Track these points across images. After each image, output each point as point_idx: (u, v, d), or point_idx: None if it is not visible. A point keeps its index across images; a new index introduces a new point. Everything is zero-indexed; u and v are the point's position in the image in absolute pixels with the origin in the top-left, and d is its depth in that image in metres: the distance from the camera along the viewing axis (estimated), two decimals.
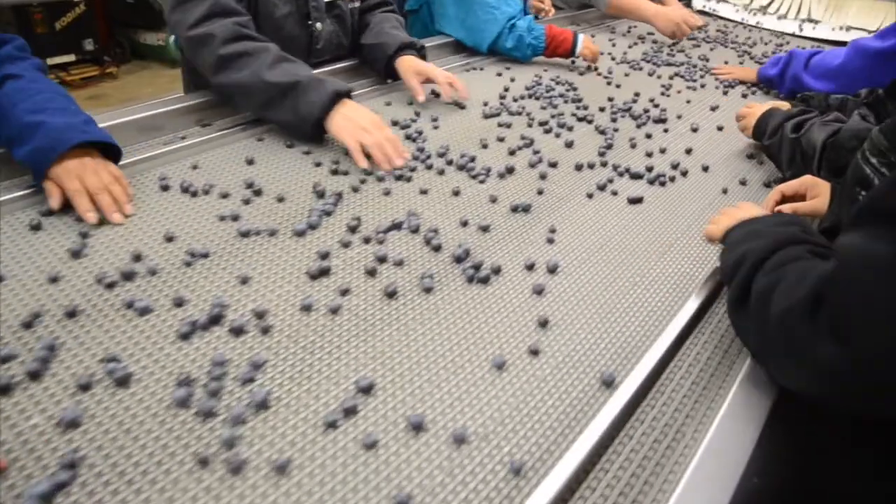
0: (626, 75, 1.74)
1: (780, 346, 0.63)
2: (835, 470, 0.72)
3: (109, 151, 0.96)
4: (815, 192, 0.96)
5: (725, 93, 1.70)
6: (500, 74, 1.64)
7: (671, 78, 1.76)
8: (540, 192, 1.08)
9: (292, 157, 1.12)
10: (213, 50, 1.12)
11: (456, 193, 1.05)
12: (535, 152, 1.21)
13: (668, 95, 1.62)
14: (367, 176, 1.07)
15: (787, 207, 0.97)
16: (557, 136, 1.30)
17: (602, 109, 1.46)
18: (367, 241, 0.92)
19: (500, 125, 1.32)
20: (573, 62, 1.77)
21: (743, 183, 1.20)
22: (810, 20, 2.49)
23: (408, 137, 1.23)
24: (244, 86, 1.12)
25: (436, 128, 1.28)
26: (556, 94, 1.51)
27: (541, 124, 1.33)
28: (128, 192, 0.93)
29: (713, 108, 1.56)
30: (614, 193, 1.10)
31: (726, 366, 0.76)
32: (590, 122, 1.38)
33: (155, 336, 0.73)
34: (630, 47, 2.02)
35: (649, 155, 1.26)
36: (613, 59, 1.87)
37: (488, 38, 1.70)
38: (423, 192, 1.05)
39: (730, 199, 1.14)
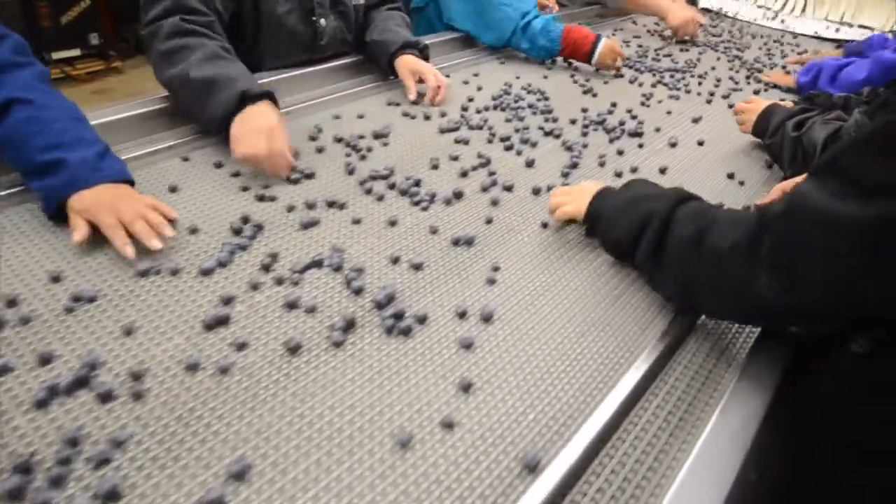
0: (605, 83, 1.62)
1: (715, 283, 0.69)
2: (831, 463, 0.73)
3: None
4: None
5: (709, 101, 1.58)
6: (466, 82, 1.53)
7: (653, 86, 1.64)
8: (489, 222, 0.97)
9: (217, 180, 1.02)
10: (156, 45, 1.08)
11: (392, 223, 0.94)
12: (491, 173, 1.10)
13: (648, 105, 1.51)
14: (296, 202, 0.96)
15: None
16: (519, 153, 1.19)
17: (573, 122, 1.35)
18: (280, 281, 0.81)
19: (456, 141, 1.21)
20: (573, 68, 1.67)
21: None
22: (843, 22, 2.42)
23: (355, 150, 1.13)
24: (174, 82, 1.06)
25: (385, 144, 1.17)
26: (525, 104, 1.40)
27: (502, 140, 1.22)
28: (163, 217, 0.86)
29: (695, 120, 1.44)
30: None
31: (699, 408, 0.65)
32: (557, 136, 1.27)
33: (7, 403, 0.62)
34: None
35: (618, 175, 1.14)
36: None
37: (503, 36, 1.67)
38: (356, 221, 0.94)
39: None
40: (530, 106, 1.39)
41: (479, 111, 1.35)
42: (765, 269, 0.62)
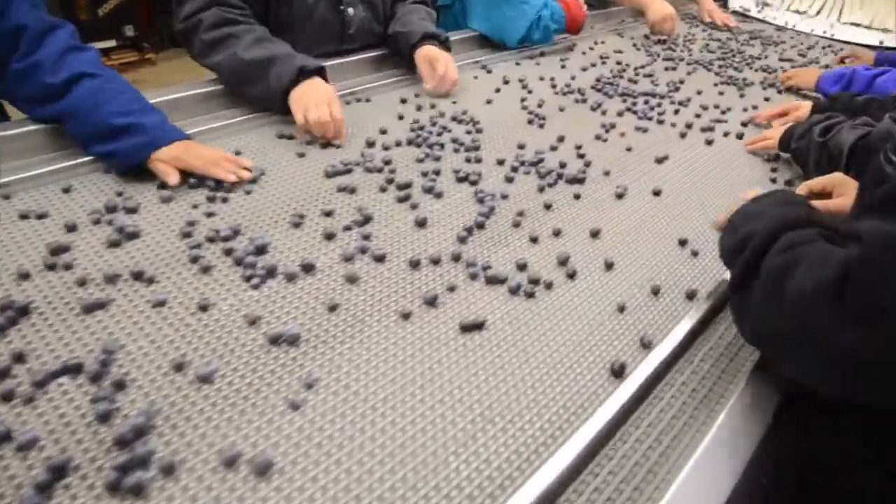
0: (561, 110, 1.38)
1: (794, 329, 0.59)
2: (844, 467, 0.71)
3: None
4: (842, 191, 0.90)
5: (683, 135, 1.32)
6: (404, 101, 1.31)
7: (619, 114, 1.39)
8: (332, 309, 0.74)
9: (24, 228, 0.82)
10: (200, 35, 1.17)
11: (203, 308, 0.72)
12: (364, 237, 0.87)
13: (605, 140, 1.26)
14: (93, 273, 0.75)
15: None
16: (414, 207, 0.96)
17: (501, 162, 1.11)
18: (6, 398, 0.60)
19: (340, 189, 0.98)
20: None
21: (655, 292, 0.84)
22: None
23: (209, 200, 0.91)
24: (226, 67, 1.17)
25: (248, 192, 0.95)
26: (450, 138, 1.17)
27: (400, 187, 0.99)
28: (235, 160, 1.00)
29: (659, 160, 1.19)
30: (446, 313, 0.76)
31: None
32: (473, 183, 1.04)
33: None
34: (584, 70, 1.65)
35: (534, 240, 0.90)
36: (554, 86, 1.51)
37: (517, 34, 1.68)
38: (159, 304, 0.72)
39: (626, 318, 0.79)
40: (454, 140, 1.16)
41: (387, 147, 1.13)
42: (851, 319, 0.54)
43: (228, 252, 0.81)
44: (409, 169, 1.06)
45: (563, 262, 0.86)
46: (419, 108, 1.29)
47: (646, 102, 1.47)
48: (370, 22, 1.43)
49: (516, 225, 0.94)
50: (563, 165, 1.12)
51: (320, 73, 1.18)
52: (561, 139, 1.22)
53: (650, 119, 1.39)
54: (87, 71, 0.98)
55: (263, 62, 1.13)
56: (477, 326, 0.73)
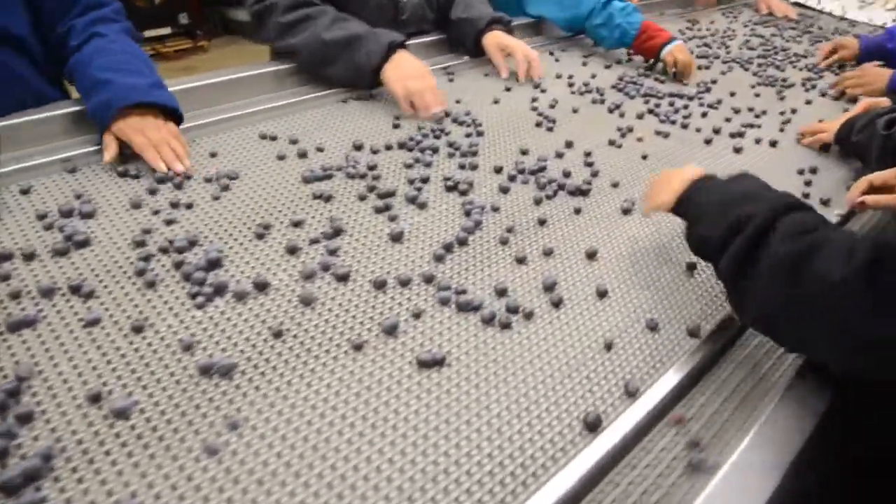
0: (574, 111, 1.27)
1: (820, 316, 0.59)
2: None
3: (171, 117, 0.98)
4: None
5: (709, 141, 1.20)
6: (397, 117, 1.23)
7: (640, 116, 1.28)
8: (277, 335, 0.67)
9: None
10: (275, 18, 1.20)
11: (137, 330, 0.66)
12: (331, 251, 0.79)
13: (620, 146, 1.15)
14: (7, 301, 0.69)
15: (870, 199, 0.90)
16: (392, 219, 0.87)
17: (498, 170, 1.02)
18: None
19: (316, 196, 0.91)
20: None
21: (652, 328, 0.74)
22: None
23: (172, 205, 0.85)
24: (305, 47, 1.19)
25: (216, 198, 0.88)
26: (446, 142, 1.08)
27: (382, 196, 0.91)
28: (185, 149, 0.96)
29: None
30: (406, 345, 0.67)
31: None
32: (463, 192, 0.95)
33: None
34: (607, 67, 1.54)
35: (520, 261, 0.81)
36: (570, 85, 1.40)
37: (579, 15, 1.57)
38: (91, 323, 0.66)
39: (613, 358, 0.69)
40: (451, 144, 1.07)
41: (375, 150, 1.04)
42: (885, 304, 0.55)
43: (179, 265, 0.74)
44: (395, 175, 0.98)
45: (549, 287, 0.77)
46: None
47: (671, 104, 1.35)
48: (423, 8, 1.44)
49: (503, 242, 0.85)
50: (566, 175, 1.02)
51: (405, 46, 1.21)
52: (569, 144, 1.12)
53: (673, 123, 1.27)
54: (99, 31, 1.00)
55: (345, 41, 1.17)
56: (436, 363, 0.65)
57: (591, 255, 0.84)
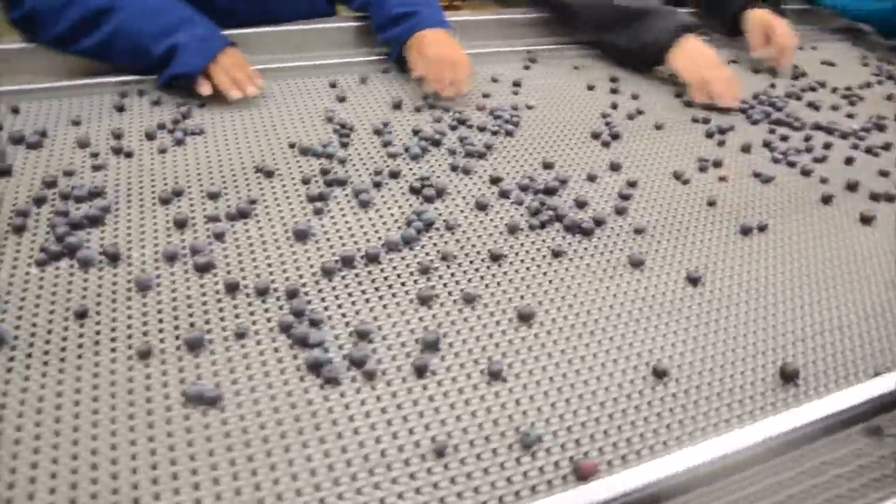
0: (658, 128, 1.00)
1: None
2: None
3: None
4: None
5: (828, 200, 0.87)
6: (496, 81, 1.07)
7: (745, 149, 0.97)
8: (82, 315, 0.58)
9: None
10: None
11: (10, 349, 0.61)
12: (217, 235, 0.68)
13: (686, 181, 0.88)
14: None
15: None
16: (317, 212, 0.73)
17: (496, 181, 0.82)
18: None
19: (258, 169, 0.80)
20: None
21: (529, 445, 0.52)
22: None
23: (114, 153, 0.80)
24: (588, 6, 1.19)
25: (163, 151, 0.81)
26: (457, 136, 0.90)
27: (329, 184, 0.77)
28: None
29: (746, 231, 0.79)
30: (207, 366, 0.54)
31: None
32: (428, 199, 0.77)
33: None
34: (755, 73, 1.20)
35: (425, 303, 0.63)
36: (678, 95, 1.11)
37: None
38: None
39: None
40: (462, 139, 0.89)
41: (378, 131, 0.90)
42: None
43: (124, 258, 0.68)
44: (366, 162, 0.84)
45: (430, 345, 0.58)
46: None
47: (806, 139, 1.01)
48: None
49: (423, 272, 0.67)
50: (580, 205, 0.79)
51: (692, 30, 1.15)
52: (615, 167, 0.88)
53: (791, 165, 0.94)
54: None
55: (638, 12, 1.14)
56: (209, 401, 0.51)
57: (526, 319, 0.62)
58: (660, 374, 0.58)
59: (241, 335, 0.57)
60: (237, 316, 0.60)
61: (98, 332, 0.57)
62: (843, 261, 0.76)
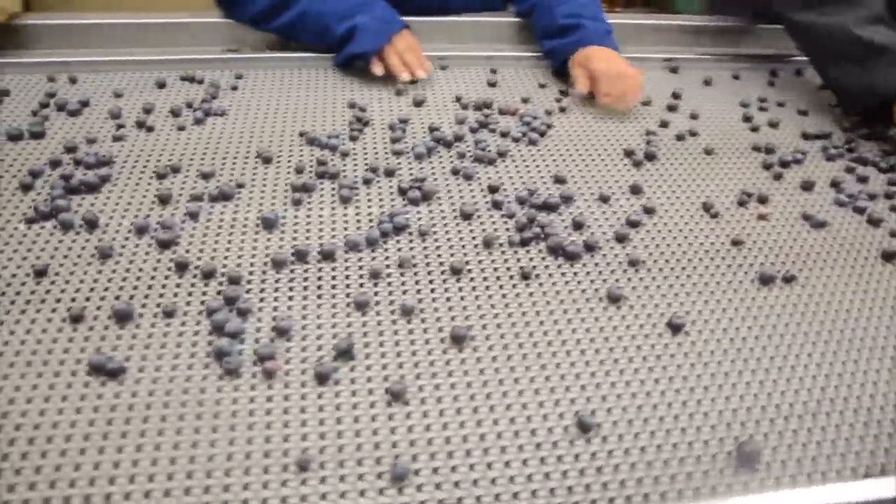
0: (708, 152, 0.89)
1: None
2: None
3: None
4: None
5: (892, 257, 0.72)
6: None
7: (807, 186, 0.84)
8: (41, 272, 0.62)
9: None
10: None
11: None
12: (191, 214, 0.70)
13: (716, 215, 0.77)
14: None
15: None
16: (296, 203, 0.73)
17: (493, 189, 0.77)
18: None
19: (258, 154, 0.81)
20: None
21: None
22: None
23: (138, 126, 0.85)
24: (824, 29, 0.99)
25: (198, 122, 0.85)
26: (474, 139, 0.86)
27: (321, 176, 0.77)
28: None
29: (767, 280, 0.68)
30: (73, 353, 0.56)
31: None
32: (413, 202, 0.74)
33: None
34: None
35: (360, 308, 0.60)
36: (748, 117, 0.98)
37: None
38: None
39: None
40: (477, 143, 0.85)
41: (391, 126, 0.88)
42: None
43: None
44: (372, 156, 0.82)
45: (342, 352, 0.56)
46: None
47: (892, 182, 0.86)
48: None
49: (374, 276, 0.64)
50: (577, 226, 0.73)
51: None
52: (635, 190, 0.80)
53: (859, 211, 0.80)
54: None
55: (878, 49, 0.96)
56: (113, 371, 0.52)
57: (457, 341, 0.58)
58: (584, 427, 0.52)
59: (169, 313, 0.58)
60: (176, 294, 0.61)
61: (48, 292, 0.60)
62: (871, 335, 0.63)
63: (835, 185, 0.85)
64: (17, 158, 0.77)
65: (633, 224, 0.74)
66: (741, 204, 0.80)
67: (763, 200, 0.81)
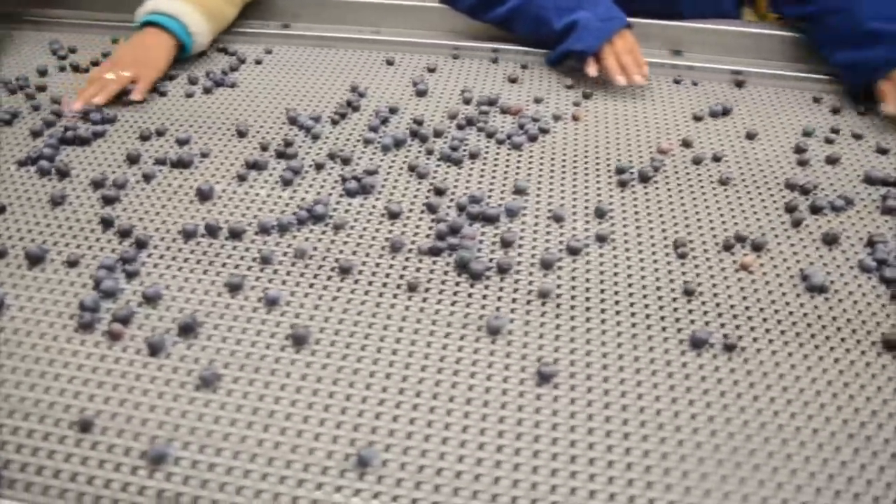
0: (723, 183, 0.75)
1: None
2: None
3: None
4: None
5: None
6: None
7: (829, 243, 0.67)
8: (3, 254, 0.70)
9: None
10: None
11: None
12: (146, 177, 0.74)
13: (685, 255, 0.65)
14: None
15: None
16: (277, 184, 0.74)
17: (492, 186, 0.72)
18: None
19: (292, 122, 0.83)
20: None
21: None
22: None
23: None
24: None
25: (232, 85, 0.90)
26: (504, 135, 0.81)
27: (334, 156, 0.77)
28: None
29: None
30: None
31: None
32: (395, 208, 0.72)
33: None
34: None
35: (295, 284, 0.60)
36: (803, 151, 0.81)
37: None
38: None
39: None
40: (490, 135, 0.80)
41: (419, 120, 0.86)
42: None
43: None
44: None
45: (184, 329, 0.56)
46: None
47: None
48: None
49: (264, 261, 0.63)
50: (505, 244, 0.66)
51: None
52: (600, 214, 0.70)
53: (888, 282, 0.63)
54: None
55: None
56: None
57: (299, 341, 0.56)
58: (363, 462, 0.47)
59: (72, 263, 0.64)
60: (90, 248, 0.66)
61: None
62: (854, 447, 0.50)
63: (871, 244, 0.67)
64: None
65: (573, 251, 0.66)
66: (727, 248, 0.67)
67: (758, 248, 0.67)
